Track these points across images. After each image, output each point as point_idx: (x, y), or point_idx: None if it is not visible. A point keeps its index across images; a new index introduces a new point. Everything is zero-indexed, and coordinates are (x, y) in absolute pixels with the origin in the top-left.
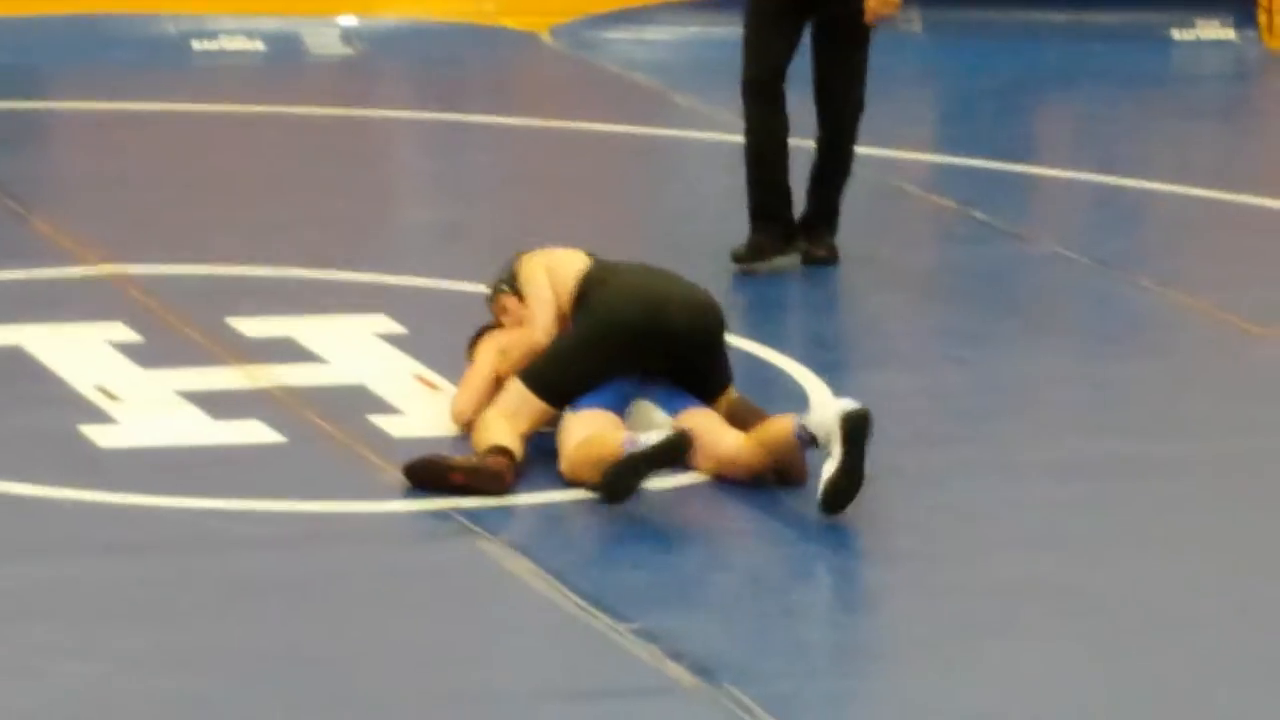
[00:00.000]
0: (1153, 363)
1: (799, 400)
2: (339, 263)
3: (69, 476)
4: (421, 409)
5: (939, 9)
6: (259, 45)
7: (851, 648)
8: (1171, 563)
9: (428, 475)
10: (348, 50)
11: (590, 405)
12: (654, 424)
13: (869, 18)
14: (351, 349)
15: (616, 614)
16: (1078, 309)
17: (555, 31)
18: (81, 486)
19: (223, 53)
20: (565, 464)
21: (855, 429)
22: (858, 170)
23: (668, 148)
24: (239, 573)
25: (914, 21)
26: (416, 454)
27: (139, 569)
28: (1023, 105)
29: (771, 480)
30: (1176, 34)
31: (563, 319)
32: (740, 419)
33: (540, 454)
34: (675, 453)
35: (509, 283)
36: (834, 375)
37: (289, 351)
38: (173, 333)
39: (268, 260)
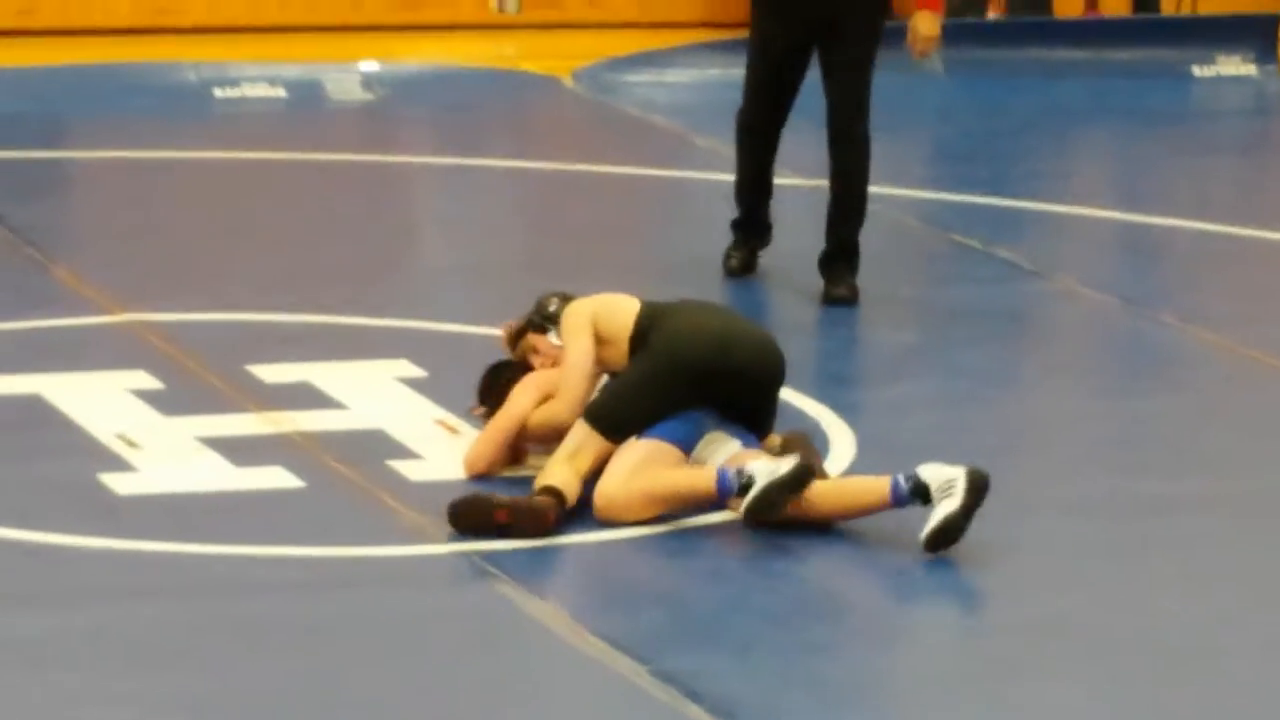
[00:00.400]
0: (1175, 399)
1: (819, 440)
2: (360, 308)
3: (89, 524)
4: (441, 453)
5: (960, 48)
6: (280, 92)
7: (871, 687)
8: (1195, 600)
9: (472, 513)
10: (369, 96)
11: (653, 437)
12: (729, 455)
13: (917, 55)
14: (371, 394)
15: (635, 655)
16: (1100, 346)
17: (576, 75)
18: (102, 534)
19: (244, 100)
20: (617, 495)
21: (980, 480)
22: (879, 209)
23: (689, 190)
24: (259, 618)
25: (935, 60)
26: (451, 496)
27: (160, 615)
28: (1044, 143)
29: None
30: (1197, 70)
31: (598, 376)
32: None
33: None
34: (809, 479)
35: (543, 322)
36: (854, 415)
37: (309, 397)
38: (193, 379)
39: (288, 307)
